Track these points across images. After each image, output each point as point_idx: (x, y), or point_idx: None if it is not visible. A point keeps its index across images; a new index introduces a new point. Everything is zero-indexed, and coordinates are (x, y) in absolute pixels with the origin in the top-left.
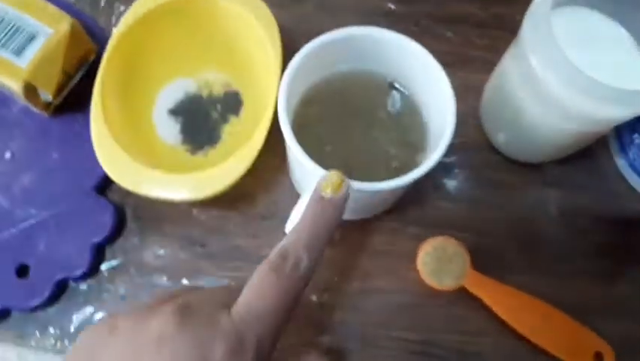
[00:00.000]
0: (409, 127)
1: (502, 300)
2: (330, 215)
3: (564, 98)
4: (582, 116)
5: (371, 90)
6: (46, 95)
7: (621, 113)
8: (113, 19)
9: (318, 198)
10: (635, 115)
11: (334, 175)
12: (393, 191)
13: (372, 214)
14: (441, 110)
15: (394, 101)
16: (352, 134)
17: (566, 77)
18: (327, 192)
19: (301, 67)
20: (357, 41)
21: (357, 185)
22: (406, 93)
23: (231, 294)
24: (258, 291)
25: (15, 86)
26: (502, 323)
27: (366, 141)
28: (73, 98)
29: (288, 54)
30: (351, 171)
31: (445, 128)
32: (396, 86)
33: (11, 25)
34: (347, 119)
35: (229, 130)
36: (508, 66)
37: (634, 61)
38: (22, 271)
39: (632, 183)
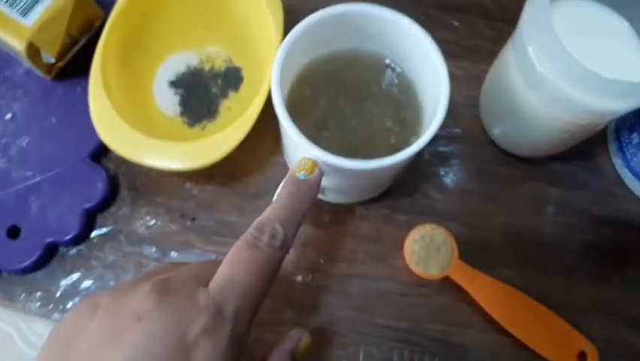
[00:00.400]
0: (404, 104)
1: (488, 293)
2: (304, 193)
3: (560, 89)
4: (578, 107)
5: (367, 69)
6: (49, 57)
7: (618, 106)
8: None
9: (292, 179)
10: (633, 108)
11: (308, 160)
12: (386, 170)
13: (363, 198)
14: (435, 89)
15: (390, 79)
16: (349, 113)
17: (562, 68)
18: (302, 174)
19: (297, 43)
20: (354, 18)
21: (355, 164)
22: (402, 72)
23: (211, 269)
24: (234, 265)
25: (18, 46)
26: (487, 316)
27: (363, 118)
28: (77, 63)
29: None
30: (351, 150)
31: (438, 107)
32: (392, 65)
33: None
34: (342, 98)
35: (228, 105)
36: (507, 56)
37: (633, 51)
38: (13, 232)
39: (627, 184)
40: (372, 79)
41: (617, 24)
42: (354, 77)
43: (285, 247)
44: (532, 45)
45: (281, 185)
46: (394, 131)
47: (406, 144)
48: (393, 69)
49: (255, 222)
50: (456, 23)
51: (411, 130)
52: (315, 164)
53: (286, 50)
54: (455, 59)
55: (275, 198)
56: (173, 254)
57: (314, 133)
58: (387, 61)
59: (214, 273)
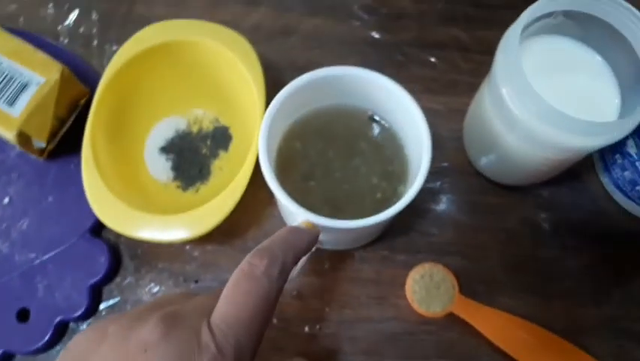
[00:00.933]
0: (390, 158)
1: (492, 324)
2: (303, 234)
3: (535, 129)
4: (554, 146)
5: (352, 123)
6: (40, 142)
7: (593, 143)
8: (105, 60)
9: (293, 227)
10: (607, 144)
11: (309, 223)
12: (377, 224)
13: (360, 245)
14: (418, 144)
15: (375, 133)
16: (335, 167)
17: (535, 110)
18: (304, 225)
19: (281, 108)
20: (337, 80)
21: (339, 223)
22: (387, 126)
23: (212, 303)
24: (233, 298)
25: (9, 136)
26: (494, 347)
27: (350, 173)
28: (68, 141)
29: (274, 87)
30: (337, 205)
31: (421, 162)
32: (377, 118)
33: (4, 75)
34: (329, 152)
35: (219, 165)
36: (484, 96)
37: (608, 84)
38: (22, 315)
39: (618, 201)
40: (360, 133)
41: (589, 58)
42: (343, 131)
43: (283, 275)
44: (506, 87)
45: None
46: (381, 187)
47: (394, 194)
48: (377, 122)
49: (253, 250)
50: (433, 59)
51: (397, 181)
52: (313, 226)
53: (271, 116)
54: (435, 94)
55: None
56: None
57: (301, 183)
58: (371, 113)
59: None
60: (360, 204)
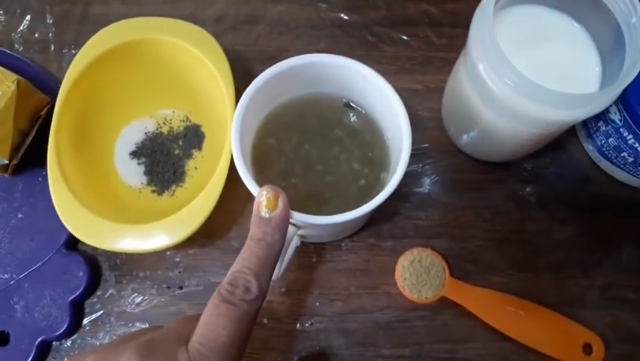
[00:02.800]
0: (370, 144)
1: (484, 304)
2: (272, 235)
3: (515, 104)
4: (535, 120)
5: (327, 112)
6: (1, 159)
7: (575, 116)
8: (64, 64)
9: (258, 221)
10: (590, 115)
11: (268, 192)
12: (363, 215)
13: (346, 235)
14: (397, 128)
15: (352, 119)
16: (315, 159)
17: (513, 85)
18: (265, 211)
19: (251, 103)
20: (308, 68)
21: (326, 219)
22: (363, 112)
23: (194, 325)
24: (211, 323)
25: None
26: (489, 327)
27: (331, 163)
28: (33, 153)
29: (245, 78)
30: (321, 198)
31: (402, 148)
32: (352, 105)
33: None
34: (306, 146)
35: (194, 165)
36: (461, 72)
37: (587, 52)
38: (1, 338)
39: (602, 168)
40: (335, 121)
41: (567, 26)
42: (317, 122)
43: (259, 298)
44: (482, 62)
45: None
46: (363, 173)
47: (377, 181)
48: (353, 108)
49: (228, 275)
50: (405, 37)
51: (380, 167)
52: (276, 195)
53: (241, 114)
54: (411, 73)
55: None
56: None
57: (282, 181)
58: (346, 100)
59: (194, 327)
60: (345, 193)
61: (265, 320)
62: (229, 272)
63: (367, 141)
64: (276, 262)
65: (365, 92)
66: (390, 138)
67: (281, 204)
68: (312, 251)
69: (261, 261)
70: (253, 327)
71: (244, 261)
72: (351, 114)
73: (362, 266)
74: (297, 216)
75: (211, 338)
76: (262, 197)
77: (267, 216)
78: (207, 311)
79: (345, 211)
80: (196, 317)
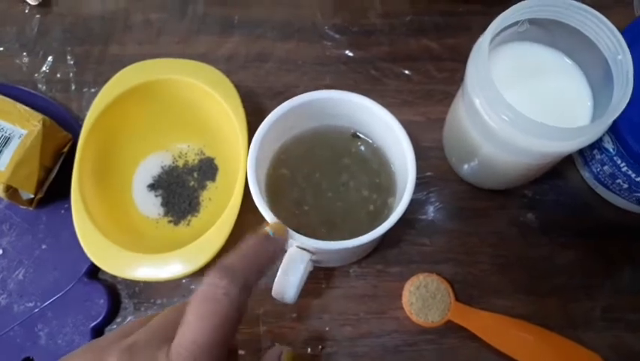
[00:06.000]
0: (377, 171)
1: (489, 327)
2: (267, 248)
3: (510, 138)
4: (530, 152)
5: (336, 142)
6: (28, 194)
7: (569, 147)
8: (84, 102)
9: (260, 234)
10: (583, 146)
11: (277, 226)
12: (372, 240)
13: (356, 259)
14: (402, 157)
15: (359, 148)
16: (325, 188)
17: (509, 120)
18: (271, 232)
19: (265, 137)
20: (318, 103)
21: (338, 245)
22: (370, 141)
23: (177, 319)
24: (193, 323)
25: None
26: (494, 349)
27: (340, 190)
28: (56, 187)
29: (255, 114)
30: (333, 224)
31: (407, 177)
32: (360, 135)
33: None
34: (317, 175)
35: (208, 196)
36: (459, 106)
37: (580, 88)
38: None
39: (600, 194)
40: (344, 151)
41: (559, 61)
42: (327, 152)
43: (244, 292)
44: (479, 98)
45: (282, 262)
46: (372, 199)
47: (385, 206)
48: (360, 138)
49: (213, 269)
50: (407, 72)
51: (386, 193)
52: (285, 230)
53: (256, 147)
54: (413, 106)
55: (279, 273)
56: None
57: (295, 209)
58: (353, 131)
59: (178, 319)
60: (355, 219)
61: (277, 345)
62: (214, 267)
63: (374, 168)
64: (264, 272)
65: (371, 124)
66: (396, 166)
67: (286, 233)
68: (321, 278)
69: (247, 259)
70: (237, 326)
71: (232, 257)
72: (359, 144)
73: (370, 292)
74: (311, 242)
75: (192, 338)
76: (273, 226)
77: (271, 235)
78: (188, 310)
79: (356, 236)
80: (182, 310)
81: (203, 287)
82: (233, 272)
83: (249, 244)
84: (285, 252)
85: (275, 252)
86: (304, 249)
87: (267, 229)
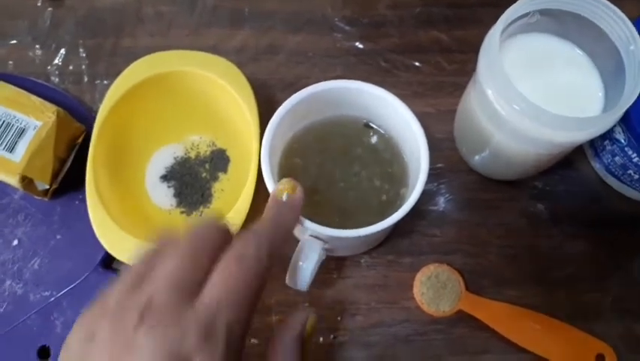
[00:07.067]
0: (389, 161)
1: (499, 317)
2: (287, 214)
3: (522, 128)
4: (541, 141)
5: (348, 132)
6: (43, 184)
7: (580, 137)
8: (97, 94)
9: (274, 202)
10: (594, 136)
11: (287, 182)
12: (385, 229)
13: (368, 248)
14: (414, 147)
15: (372, 138)
16: (338, 177)
17: (520, 110)
18: (284, 196)
19: (279, 126)
20: (331, 93)
21: (351, 233)
22: (382, 132)
23: (191, 267)
24: (222, 280)
25: (12, 181)
26: (504, 339)
27: (353, 180)
28: (70, 178)
29: (266, 105)
30: (346, 213)
31: (420, 167)
32: (372, 125)
33: (1, 123)
34: (329, 164)
35: (220, 187)
36: (471, 97)
37: (591, 79)
38: (43, 352)
39: (611, 185)
40: (356, 141)
41: (570, 52)
42: (339, 141)
43: (270, 259)
44: (490, 88)
45: (295, 252)
46: (384, 189)
47: (397, 197)
48: (372, 128)
49: (241, 236)
50: (417, 64)
51: (399, 184)
52: (295, 185)
53: (270, 135)
54: (423, 98)
55: (292, 262)
56: None
57: (307, 198)
58: (365, 121)
59: (195, 273)
60: (367, 208)
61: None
62: (241, 236)
63: (387, 158)
64: (288, 238)
65: (384, 114)
66: (409, 156)
67: (298, 191)
68: (333, 268)
69: (274, 228)
70: (263, 289)
71: (256, 227)
72: (371, 134)
73: (381, 282)
74: (323, 231)
75: (221, 294)
76: (283, 185)
77: (285, 199)
78: (217, 272)
79: (368, 225)
80: (190, 252)
81: (232, 252)
82: (259, 239)
83: (268, 215)
84: (300, 224)
85: (294, 215)
86: (317, 237)
87: (280, 192)
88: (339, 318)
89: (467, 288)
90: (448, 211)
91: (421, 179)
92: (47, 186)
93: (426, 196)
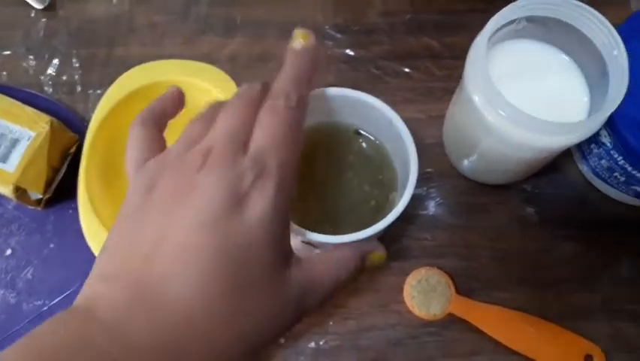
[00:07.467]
0: (379, 167)
1: (489, 319)
2: (307, 60)
3: (509, 133)
4: (528, 146)
5: (339, 139)
6: (36, 194)
7: (566, 142)
8: (90, 104)
9: (293, 52)
10: (580, 141)
11: (299, 31)
12: (375, 234)
13: None
14: (404, 153)
15: (362, 145)
16: (328, 184)
17: (507, 116)
18: (299, 43)
19: None
20: (321, 101)
21: (342, 238)
22: (372, 138)
23: (244, 122)
24: (263, 130)
25: (6, 191)
26: (495, 341)
27: (343, 187)
28: (63, 187)
29: None
30: (336, 220)
31: (409, 172)
32: (362, 132)
33: None
34: (320, 171)
35: None
36: (458, 102)
37: (577, 84)
38: None
39: (599, 188)
40: (347, 148)
41: (556, 58)
42: (330, 148)
43: (300, 105)
44: (477, 95)
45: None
46: (374, 195)
47: (387, 202)
48: (363, 135)
49: (269, 93)
50: (407, 70)
51: (389, 189)
52: (307, 32)
53: None
54: (414, 103)
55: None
56: None
57: (299, 205)
58: (356, 127)
59: (245, 126)
60: (357, 214)
61: (282, 340)
62: (270, 93)
63: (377, 165)
64: (314, 80)
65: (373, 121)
66: (397, 161)
67: (311, 36)
68: None
69: (297, 75)
70: (302, 132)
71: (280, 79)
72: (361, 141)
73: (373, 286)
74: (314, 237)
75: (265, 140)
76: (296, 36)
77: (300, 46)
78: (259, 125)
79: (359, 230)
80: (243, 110)
81: (266, 106)
82: (287, 90)
83: (288, 65)
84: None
85: (314, 60)
86: (308, 243)
87: (296, 44)
88: (330, 323)
89: (457, 291)
90: (438, 215)
91: (410, 184)
92: (41, 196)
93: (416, 201)
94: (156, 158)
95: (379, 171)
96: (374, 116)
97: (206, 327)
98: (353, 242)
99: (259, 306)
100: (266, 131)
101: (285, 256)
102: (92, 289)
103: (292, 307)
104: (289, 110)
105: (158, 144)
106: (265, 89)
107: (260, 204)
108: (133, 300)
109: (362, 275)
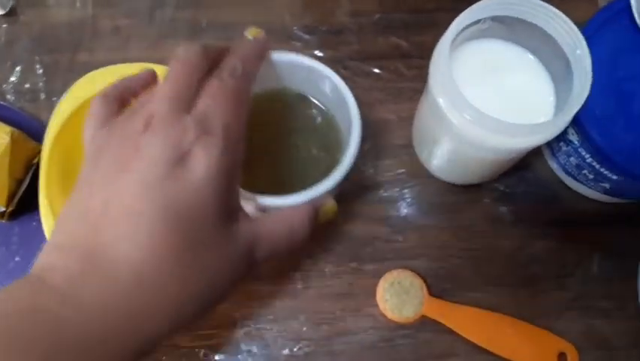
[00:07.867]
0: (326, 132)
1: (462, 320)
2: (255, 46)
3: (473, 136)
4: (495, 148)
5: (287, 105)
6: None
7: (533, 143)
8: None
9: (243, 39)
10: (547, 141)
11: (252, 28)
12: (324, 194)
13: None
14: (349, 119)
15: (307, 110)
16: (276, 149)
17: (471, 119)
18: (250, 35)
19: None
20: (267, 67)
21: (289, 199)
22: (319, 103)
23: (183, 86)
24: (207, 95)
25: None
26: (469, 342)
27: (292, 151)
28: (27, 199)
29: None
30: (285, 185)
31: (351, 130)
32: (307, 96)
33: None
34: (267, 137)
35: None
36: (424, 105)
37: (543, 83)
38: None
39: (569, 185)
40: (295, 114)
41: (521, 57)
42: (277, 114)
43: (246, 76)
44: (441, 97)
45: None
46: (321, 157)
47: (336, 164)
48: (309, 100)
49: (217, 68)
50: (377, 70)
51: (336, 151)
52: (260, 30)
53: None
54: (383, 104)
55: None
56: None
57: (249, 170)
58: (300, 92)
59: (188, 89)
60: (308, 179)
61: (255, 348)
62: (217, 68)
63: (325, 129)
64: (262, 57)
65: (319, 86)
66: (345, 126)
67: (262, 33)
68: (298, 278)
69: (246, 56)
70: (247, 106)
71: (227, 57)
72: (306, 105)
73: (346, 290)
74: (265, 200)
75: (210, 104)
76: (248, 31)
77: (250, 37)
78: (205, 91)
79: None
80: (179, 77)
81: (214, 75)
82: (233, 63)
83: (237, 47)
84: None
85: (261, 48)
86: (262, 209)
87: (247, 34)
88: (304, 328)
89: (431, 292)
90: (410, 217)
91: (353, 141)
92: (4, 209)
93: (388, 203)
94: (103, 128)
95: (327, 136)
96: (319, 80)
97: (157, 286)
98: (304, 202)
99: (209, 261)
100: (210, 96)
101: (232, 210)
102: (47, 258)
103: (242, 260)
104: (234, 80)
105: (114, 118)
106: (206, 54)
107: (203, 160)
108: (85, 267)
109: (316, 230)
